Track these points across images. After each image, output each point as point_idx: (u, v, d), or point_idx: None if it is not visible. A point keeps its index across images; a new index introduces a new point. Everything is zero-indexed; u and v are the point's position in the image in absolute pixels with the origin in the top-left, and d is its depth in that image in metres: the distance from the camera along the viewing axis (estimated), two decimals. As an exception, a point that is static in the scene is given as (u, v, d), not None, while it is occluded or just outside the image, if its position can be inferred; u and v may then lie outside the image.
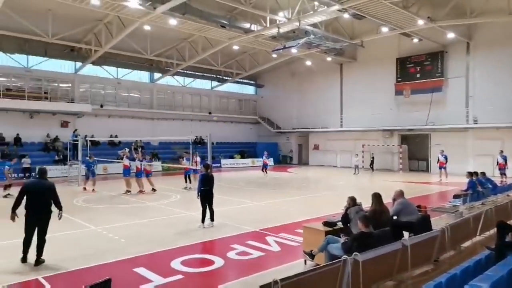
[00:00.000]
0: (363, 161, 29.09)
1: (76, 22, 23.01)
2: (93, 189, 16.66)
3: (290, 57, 30.52)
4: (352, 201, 7.10)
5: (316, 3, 19.67)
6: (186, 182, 17.81)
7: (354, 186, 19.91)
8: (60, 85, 27.85)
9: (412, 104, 27.82)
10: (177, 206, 13.18)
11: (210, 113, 36.01)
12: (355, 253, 4.88)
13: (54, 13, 21.67)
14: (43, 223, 6.89)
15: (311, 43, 24.29)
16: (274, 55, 29.90)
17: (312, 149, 35.77)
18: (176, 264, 6.89)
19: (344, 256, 4.82)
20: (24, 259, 6.83)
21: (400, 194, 7.63)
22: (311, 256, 6.45)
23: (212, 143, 11.60)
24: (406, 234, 7.08)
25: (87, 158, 17.58)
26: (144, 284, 5.97)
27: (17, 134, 24.99)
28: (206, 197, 9.94)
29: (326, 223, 7.11)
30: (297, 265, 6.74)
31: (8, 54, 24.89)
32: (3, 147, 23.81)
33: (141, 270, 6.55)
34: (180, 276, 6.32)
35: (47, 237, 7.00)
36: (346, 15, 20.75)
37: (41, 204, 6.90)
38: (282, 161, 37.04)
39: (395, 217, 7.35)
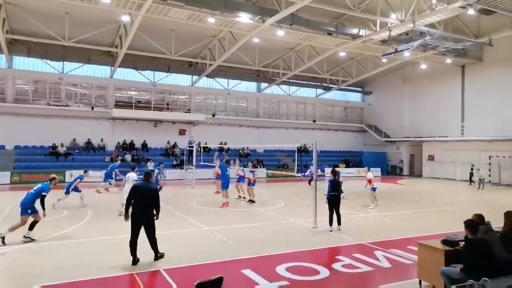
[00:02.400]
0: (489, 175, 25.46)
1: (194, 39, 25.34)
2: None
3: (401, 61, 28.61)
4: (479, 219, 6.20)
5: (434, 1, 18.07)
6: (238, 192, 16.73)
7: (479, 203, 17.51)
8: (179, 97, 30.97)
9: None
10: (281, 213, 13.33)
11: (314, 121, 35.87)
12: (483, 278, 4.24)
13: (176, 33, 24.25)
14: (148, 222, 7.26)
15: (427, 44, 22.32)
16: (384, 60, 28.39)
17: (426, 160, 32.73)
18: (281, 269, 6.93)
19: (470, 281, 4.22)
20: (134, 262, 7.11)
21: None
22: None
23: (317, 152, 11.49)
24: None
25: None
26: (251, 286, 6.16)
27: (144, 141, 28.56)
28: (334, 202, 10.30)
29: (445, 242, 6.32)
30: (411, 285, 6.17)
31: (139, 71, 28.73)
32: (133, 152, 27.44)
33: (248, 272, 6.76)
34: (285, 282, 6.33)
35: (168, 233, 7.69)
36: (470, 11, 18.49)
37: (145, 206, 7.28)
38: (391, 172, 34.71)
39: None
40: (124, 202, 7.72)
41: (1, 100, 25.07)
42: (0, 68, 25.32)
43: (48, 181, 9.29)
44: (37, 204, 8.82)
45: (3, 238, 8.32)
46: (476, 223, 5.54)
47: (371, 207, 14.56)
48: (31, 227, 8.71)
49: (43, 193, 8.88)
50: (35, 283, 6.09)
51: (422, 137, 31.81)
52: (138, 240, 7.19)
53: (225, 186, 14.67)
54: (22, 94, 26.06)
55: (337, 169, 11.89)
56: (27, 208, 8.69)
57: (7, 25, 21.91)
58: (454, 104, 30.07)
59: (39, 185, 9.12)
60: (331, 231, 10.22)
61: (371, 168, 16.59)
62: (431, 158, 32.31)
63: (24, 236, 8.63)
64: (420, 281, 6.21)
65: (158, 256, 7.42)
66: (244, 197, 16.17)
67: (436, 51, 24.19)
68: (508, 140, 25.30)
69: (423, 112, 32.44)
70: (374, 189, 14.92)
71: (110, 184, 18.67)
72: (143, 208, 7.28)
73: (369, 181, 14.93)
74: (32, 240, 8.67)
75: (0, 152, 24.11)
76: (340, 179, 10.99)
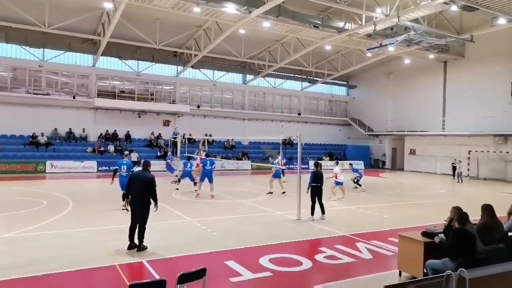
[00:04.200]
0: (468, 169, 26.13)
1: (179, 29, 24.95)
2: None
3: (386, 55, 28.89)
4: (458, 212, 6.36)
5: (418, -4, 18.26)
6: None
7: (458, 196, 18.00)
8: (164, 87, 30.56)
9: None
10: (265, 205, 13.40)
11: (299, 114, 36.01)
12: (460, 269, 4.35)
13: (161, 22, 23.83)
14: (142, 211, 7.45)
15: (411, 40, 22.58)
16: (369, 54, 28.63)
17: (408, 154, 33.34)
18: (264, 261, 6.98)
19: (448, 271, 4.33)
20: (130, 247, 7.37)
21: (519, 207, 6.62)
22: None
23: (301, 144, 11.59)
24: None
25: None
26: (234, 277, 6.18)
27: (127, 132, 28.12)
28: (316, 192, 10.72)
29: (425, 234, 6.48)
30: (391, 276, 6.30)
31: (123, 60, 28.15)
32: (116, 143, 27.01)
33: (231, 263, 6.79)
34: (268, 273, 6.38)
35: (151, 224, 7.66)
36: (453, 8, 18.77)
37: (141, 193, 7.47)
38: (374, 165, 35.25)
39: (510, 234, 6.40)
40: None
41: (-22, 88, 24.25)
42: (-24, 54, 24.43)
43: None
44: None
45: None
46: (466, 215, 5.67)
47: (333, 198, 14.61)
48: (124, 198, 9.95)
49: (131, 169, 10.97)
50: (11, 275, 5.96)
51: (405, 131, 32.35)
52: (123, 229, 7.11)
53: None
54: (0, 82, 25.23)
55: (319, 161, 12.08)
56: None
57: (-17, 9, 21.09)
58: (436, 99, 30.63)
59: (125, 166, 11.26)
60: (312, 220, 10.60)
61: (340, 162, 16.93)
62: (412, 152, 32.93)
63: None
64: (400, 272, 6.35)
65: (141, 247, 7.38)
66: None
67: (419, 46, 24.52)
68: (486, 135, 26.00)
69: (406, 106, 32.93)
70: (338, 183, 14.99)
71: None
72: (140, 196, 7.47)
73: (335, 175, 14.98)
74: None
75: (-23, 141, 23.37)
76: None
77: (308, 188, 10.89)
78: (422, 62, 30.11)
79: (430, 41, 23.16)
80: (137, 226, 7.43)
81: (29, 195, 14.11)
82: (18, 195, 14.33)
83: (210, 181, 14.47)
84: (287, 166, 20.13)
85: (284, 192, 15.78)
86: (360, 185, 17.76)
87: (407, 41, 22.94)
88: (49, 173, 22.71)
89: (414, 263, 6.15)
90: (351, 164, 17.27)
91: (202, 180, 14.76)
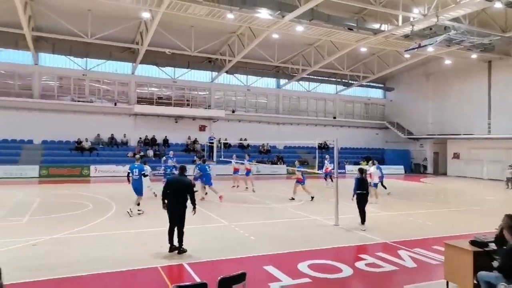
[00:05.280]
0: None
1: (214, 35, 25.41)
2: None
3: (425, 56, 27.91)
4: (511, 220, 5.97)
5: (459, -6, 17.52)
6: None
7: (508, 202, 16.94)
8: (199, 93, 31.18)
9: None
10: (301, 210, 13.27)
11: (334, 117, 35.50)
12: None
13: (196, 29, 24.37)
14: (179, 215, 7.55)
15: (451, 39, 21.60)
16: (407, 56, 27.75)
17: (451, 158, 31.90)
18: (303, 267, 6.89)
19: (502, 284, 4.08)
20: (171, 249, 7.53)
21: None
22: None
23: (338, 148, 11.38)
24: None
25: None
26: (273, 282, 6.14)
27: (165, 136, 28.91)
28: (361, 200, 10.18)
29: (474, 243, 6.13)
30: (438, 286, 6.03)
31: (160, 67, 29.05)
32: (155, 148, 27.84)
33: (270, 268, 6.75)
34: (307, 280, 6.29)
35: (190, 228, 7.79)
36: (498, 5, 17.82)
37: (179, 198, 7.59)
38: (415, 170, 34.01)
39: None
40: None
41: (28, 96, 25.87)
42: (27, 64, 26.09)
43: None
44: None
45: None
46: None
47: (373, 202, 14.12)
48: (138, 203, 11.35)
49: (142, 172, 11.51)
50: (55, 274, 6.25)
51: (447, 135, 31.00)
52: (164, 232, 7.28)
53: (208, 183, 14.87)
54: (48, 90, 26.81)
55: (364, 167, 11.68)
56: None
57: (32, 22, 22.54)
58: (481, 100, 29.14)
59: (136, 170, 11.53)
60: (364, 230, 9.99)
61: (376, 164, 16.28)
62: (456, 156, 31.48)
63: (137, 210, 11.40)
64: (447, 282, 6.05)
65: (181, 250, 7.52)
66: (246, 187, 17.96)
67: (461, 46, 23.42)
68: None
69: (447, 108, 31.59)
70: (374, 184, 14.54)
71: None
72: (176, 200, 7.59)
73: (370, 175, 14.46)
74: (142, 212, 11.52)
75: (29, 147, 24.91)
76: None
77: (353, 196, 10.37)
78: (464, 62, 28.81)
79: (472, 40, 22.07)
80: (176, 230, 7.57)
81: (76, 198, 14.80)
82: (66, 198, 15.08)
83: (210, 184, 14.75)
84: (321, 171, 19.73)
85: (313, 198, 15.11)
86: (385, 187, 16.96)
87: (447, 41, 21.97)
88: (93, 176, 23.78)
89: (462, 274, 5.83)
90: (374, 163, 16.02)
91: (210, 184, 14.86)
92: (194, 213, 7.74)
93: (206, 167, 14.97)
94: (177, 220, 7.56)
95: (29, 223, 10.16)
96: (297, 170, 15.37)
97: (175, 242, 7.59)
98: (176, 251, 7.52)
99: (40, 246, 7.94)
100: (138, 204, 11.47)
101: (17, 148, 24.45)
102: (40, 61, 26.42)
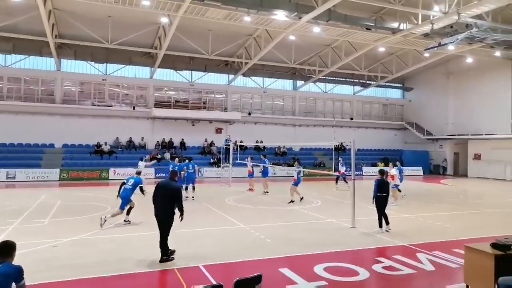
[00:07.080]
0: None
1: (230, 38, 25.57)
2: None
3: (445, 55, 27.31)
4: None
5: (481, -10, 17.07)
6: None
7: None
8: (216, 96, 31.41)
9: None
10: (317, 212, 13.18)
11: (351, 118, 35.13)
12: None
13: (213, 32, 24.58)
14: (165, 221, 7.26)
15: (473, 37, 21.00)
16: (426, 55, 27.23)
17: (472, 159, 31.07)
18: (319, 269, 6.85)
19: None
20: (172, 253, 7.35)
21: None
22: None
23: (355, 150, 11.25)
24: None
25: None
26: (289, 284, 6.13)
27: (182, 139, 29.23)
28: (382, 202, 9.96)
29: (496, 245, 5.96)
30: (458, 290, 5.88)
31: (177, 71, 29.43)
32: (172, 150, 28.18)
33: (286, 271, 6.74)
34: (324, 283, 6.25)
35: (205, 230, 7.83)
36: (522, 0, 17.30)
37: (165, 203, 7.27)
38: (434, 171, 33.28)
39: None
40: None
41: (51, 101, 26.63)
42: (49, 70, 26.88)
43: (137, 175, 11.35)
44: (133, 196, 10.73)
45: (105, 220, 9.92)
46: None
47: (394, 204, 13.94)
48: (128, 213, 10.67)
49: (140, 185, 10.81)
50: (75, 275, 6.41)
51: (468, 135, 30.22)
52: (181, 235, 7.30)
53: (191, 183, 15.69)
54: (69, 95, 27.51)
55: (384, 168, 11.53)
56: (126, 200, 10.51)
57: (56, 30, 23.23)
58: (503, 99, 28.29)
59: (132, 180, 10.85)
60: (382, 232, 9.85)
61: (397, 165, 16.02)
62: (477, 157, 30.64)
63: (124, 220, 10.60)
64: (467, 286, 5.90)
65: (163, 258, 7.20)
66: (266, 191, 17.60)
67: (483, 43, 22.79)
68: None
69: (468, 108, 30.80)
70: (395, 186, 14.36)
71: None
72: (163, 205, 7.29)
73: (392, 177, 14.22)
74: (129, 222, 10.63)
75: (50, 150, 25.61)
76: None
77: (374, 198, 10.06)
78: (486, 60, 28.04)
79: (496, 37, 21.41)
80: (159, 236, 7.29)
81: (95, 200, 15.13)
82: (86, 200, 15.43)
83: (193, 182, 15.61)
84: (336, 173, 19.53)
85: (302, 198, 15.20)
86: (399, 190, 16.51)
87: (469, 38, 21.38)
88: (112, 179, 24.22)
89: (483, 278, 5.69)
90: (395, 165, 15.58)
91: (191, 183, 15.60)
92: (181, 219, 7.42)
93: (185, 166, 15.60)
94: (163, 226, 7.27)
95: (50, 225, 10.46)
96: (294, 171, 15.36)
97: (182, 245, 7.47)
98: (166, 257, 7.23)
99: (61, 247, 8.16)
100: (128, 214, 10.65)
101: (39, 152, 25.18)
102: (62, 67, 27.18)
